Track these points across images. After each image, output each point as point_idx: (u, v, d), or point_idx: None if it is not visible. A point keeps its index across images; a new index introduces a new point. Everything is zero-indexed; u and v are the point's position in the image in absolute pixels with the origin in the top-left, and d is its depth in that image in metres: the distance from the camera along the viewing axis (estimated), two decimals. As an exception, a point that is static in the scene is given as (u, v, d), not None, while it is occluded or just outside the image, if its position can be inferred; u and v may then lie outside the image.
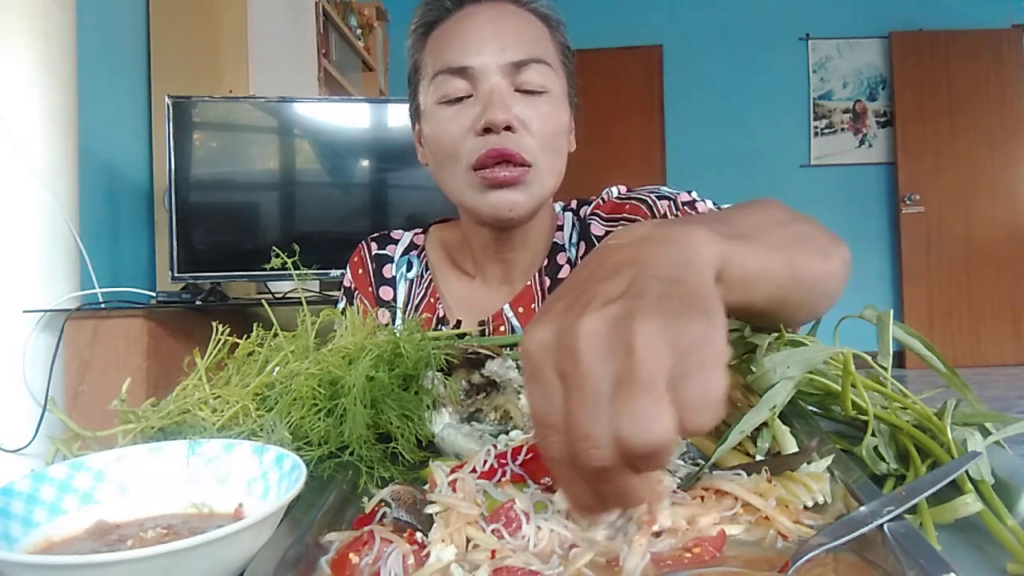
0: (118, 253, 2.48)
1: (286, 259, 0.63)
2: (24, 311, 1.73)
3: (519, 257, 0.95)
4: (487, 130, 0.82)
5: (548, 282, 0.95)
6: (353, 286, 1.04)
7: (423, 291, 1.01)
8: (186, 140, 2.08)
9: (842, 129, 5.80)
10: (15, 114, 1.74)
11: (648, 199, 0.94)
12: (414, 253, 1.04)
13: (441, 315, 0.98)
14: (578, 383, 0.31)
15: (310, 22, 3.38)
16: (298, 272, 0.64)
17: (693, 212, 0.91)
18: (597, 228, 0.96)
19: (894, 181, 5.67)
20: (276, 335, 0.61)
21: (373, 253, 1.05)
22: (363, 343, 0.57)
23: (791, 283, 0.50)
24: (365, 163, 2.24)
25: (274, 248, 0.65)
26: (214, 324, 0.59)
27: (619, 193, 0.98)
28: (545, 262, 0.96)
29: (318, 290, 2.53)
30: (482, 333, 0.94)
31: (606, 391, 0.30)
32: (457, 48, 0.84)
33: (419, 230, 1.08)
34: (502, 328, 0.95)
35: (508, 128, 0.82)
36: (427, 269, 1.02)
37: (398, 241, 1.06)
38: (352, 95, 3.96)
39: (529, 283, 0.95)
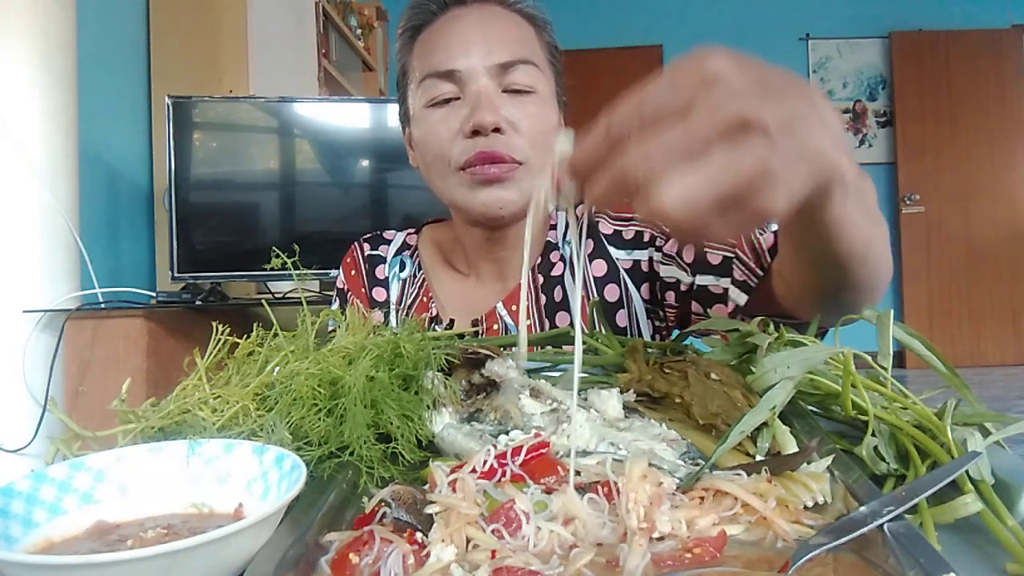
0: (118, 253, 2.48)
1: (286, 259, 0.63)
2: (24, 311, 1.73)
3: (512, 256, 0.95)
4: (476, 132, 0.82)
5: (541, 279, 0.95)
6: (346, 287, 1.04)
7: (416, 290, 1.01)
8: (186, 140, 2.08)
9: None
10: (15, 114, 1.74)
11: None
12: (407, 253, 1.05)
13: (434, 314, 0.98)
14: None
15: (310, 22, 3.38)
16: (298, 272, 0.64)
17: None
18: (606, 227, 0.95)
19: (894, 181, 5.67)
20: (276, 335, 0.61)
21: (366, 254, 1.05)
22: (363, 343, 0.58)
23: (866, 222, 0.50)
24: (365, 163, 2.24)
25: (274, 248, 0.65)
26: (214, 324, 0.59)
27: None
28: (539, 260, 0.96)
29: (318, 290, 2.53)
30: (476, 332, 0.95)
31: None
32: (443, 51, 0.85)
33: (412, 230, 1.08)
34: (495, 327, 0.95)
35: (497, 130, 0.82)
36: (420, 269, 1.02)
37: (391, 241, 1.06)
38: (352, 95, 3.96)
39: (596, 300, 0.93)
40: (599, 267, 0.94)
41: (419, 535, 0.38)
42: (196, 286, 2.13)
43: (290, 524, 0.40)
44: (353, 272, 1.05)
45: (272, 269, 0.64)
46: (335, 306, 1.03)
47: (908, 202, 5.61)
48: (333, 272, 2.16)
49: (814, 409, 0.58)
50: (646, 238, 0.93)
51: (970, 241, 5.62)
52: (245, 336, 0.61)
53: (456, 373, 0.63)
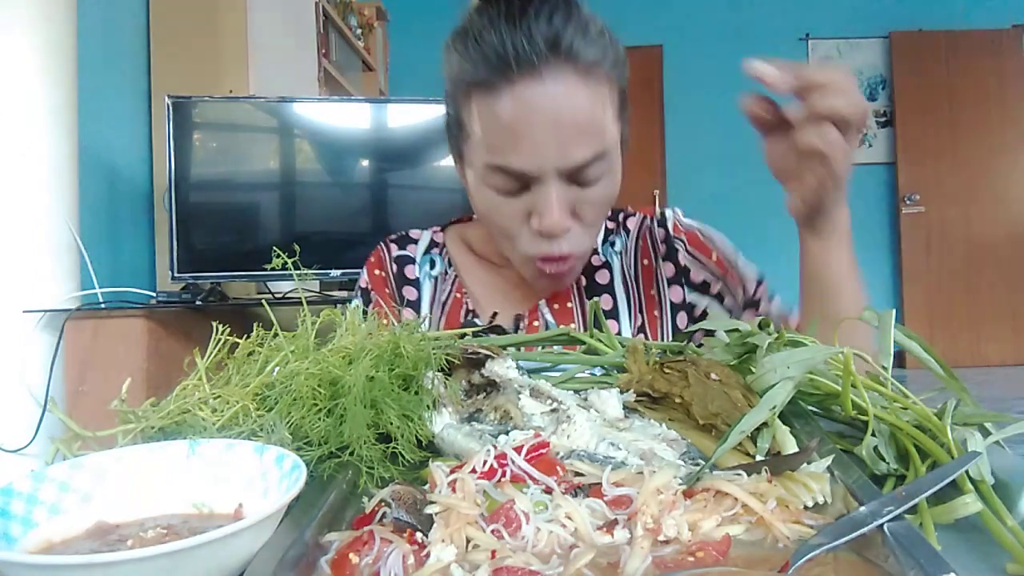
0: (118, 253, 2.48)
1: (286, 259, 0.63)
2: (24, 311, 1.73)
3: None
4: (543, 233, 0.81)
5: (584, 280, 0.97)
6: (369, 287, 1.02)
7: (448, 287, 1.00)
8: (186, 140, 2.08)
9: (842, 129, 5.80)
10: (16, 114, 1.74)
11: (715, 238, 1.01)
12: (435, 251, 1.03)
13: (470, 308, 0.98)
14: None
15: (310, 22, 3.38)
16: (298, 272, 0.64)
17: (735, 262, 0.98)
18: (684, 257, 0.98)
19: (894, 181, 5.67)
20: (276, 335, 0.61)
21: (393, 255, 1.03)
22: (363, 343, 0.57)
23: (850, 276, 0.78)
24: (365, 163, 2.24)
25: (274, 248, 0.65)
26: (214, 324, 0.59)
27: (689, 223, 1.01)
28: None
29: (318, 290, 2.53)
30: (516, 327, 0.95)
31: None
32: (512, 147, 0.77)
33: (437, 228, 1.06)
34: (536, 323, 0.95)
35: (566, 229, 0.81)
36: (450, 266, 1.01)
37: (418, 240, 1.04)
38: (352, 95, 3.96)
39: (594, 300, 0.93)
40: (676, 293, 0.98)
41: (419, 535, 0.38)
42: (196, 286, 2.13)
43: (290, 524, 0.40)
44: (377, 272, 1.02)
45: (272, 269, 0.64)
46: (355, 304, 1.01)
47: (908, 202, 5.61)
48: (333, 272, 2.18)
49: (814, 409, 0.58)
50: (714, 289, 0.97)
51: (970, 241, 5.62)
52: (245, 336, 0.61)
53: (456, 373, 0.63)
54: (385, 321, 0.89)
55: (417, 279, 1.01)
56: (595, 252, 0.98)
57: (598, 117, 0.79)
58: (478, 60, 0.77)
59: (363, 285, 1.03)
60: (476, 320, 0.96)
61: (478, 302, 0.98)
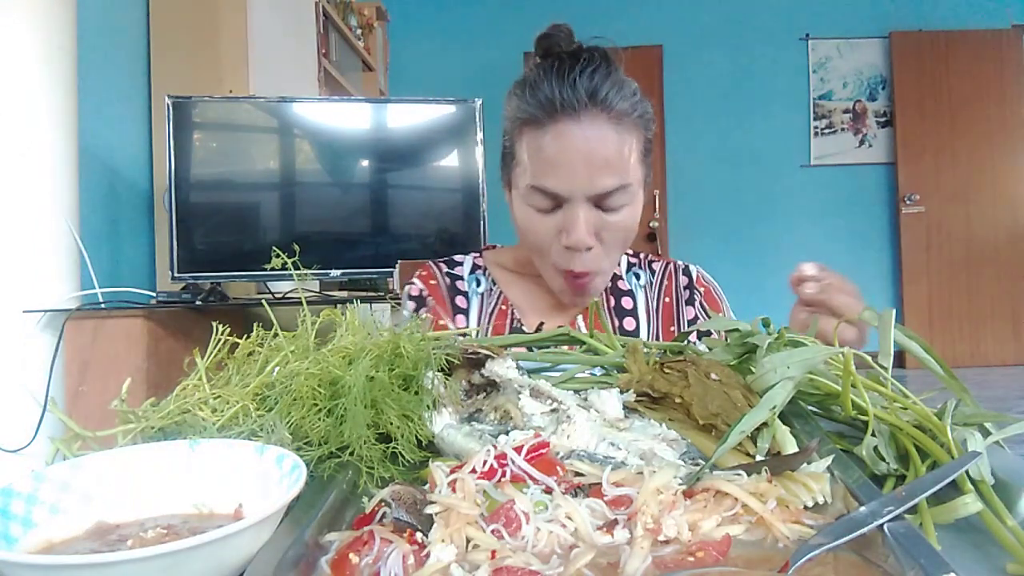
0: (118, 253, 2.48)
1: (286, 259, 0.63)
2: (24, 311, 1.73)
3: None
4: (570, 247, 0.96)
5: (613, 301, 1.12)
6: (425, 293, 1.12)
7: (494, 301, 1.12)
8: (186, 140, 2.08)
9: (842, 129, 5.80)
10: (16, 114, 1.74)
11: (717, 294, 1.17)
12: (479, 272, 1.16)
13: (516, 317, 1.09)
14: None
15: (310, 22, 3.38)
16: (298, 272, 0.64)
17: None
18: (698, 308, 1.13)
19: (894, 181, 5.67)
20: (276, 335, 0.61)
21: (444, 271, 1.15)
22: (363, 343, 0.57)
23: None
24: (365, 163, 2.24)
25: (274, 248, 0.65)
26: (214, 324, 0.59)
27: (709, 279, 1.17)
28: (609, 283, 1.12)
29: (318, 290, 2.53)
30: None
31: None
32: (551, 173, 0.94)
33: (476, 254, 1.19)
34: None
35: (589, 247, 0.95)
36: (494, 284, 1.14)
37: (462, 263, 1.17)
38: (352, 95, 3.96)
39: (597, 299, 1.07)
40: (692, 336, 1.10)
41: (419, 535, 0.38)
42: (196, 286, 2.13)
43: (290, 524, 0.40)
44: (432, 281, 1.14)
45: (272, 269, 0.64)
46: (410, 308, 1.12)
47: (908, 202, 5.60)
48: (333, 272, 2.18)
49: (814, 409, 0.58)
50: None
51: (970, 241, 5.61)
52: (245, 336, 0.61)
53: (456, 373, 0.63)
54: (442, 322, 1.05)
55: (467, 293, 1.13)
56: (620, 278, 1.13)
57: (624, 156, 0.94)
58: (532, 103, 0.94)
59: (415, 293, 1.13)
60: (523, 328, 1.08)
61: (523, 312, 1.10)
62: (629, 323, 1.11)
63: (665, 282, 1.15)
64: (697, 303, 1.13)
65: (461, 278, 1.15)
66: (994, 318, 5.60)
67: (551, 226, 0.97)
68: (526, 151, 0.97)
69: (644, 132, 0.99)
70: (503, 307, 1.11)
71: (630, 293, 1.13)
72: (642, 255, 1.19)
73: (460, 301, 1.12)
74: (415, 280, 1.14)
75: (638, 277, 1.15)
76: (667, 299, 1.14)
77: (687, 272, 1.16)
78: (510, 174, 1.03)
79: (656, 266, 1.17)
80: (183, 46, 2.61)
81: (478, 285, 1.14)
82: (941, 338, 5.47)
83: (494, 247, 1.22)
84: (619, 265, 1.14)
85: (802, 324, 0.83)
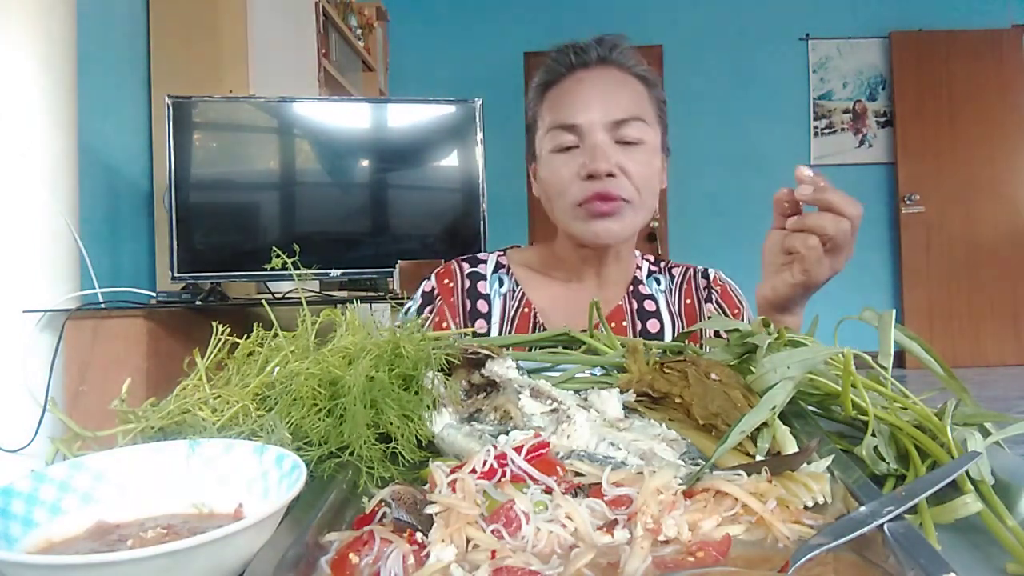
0: (118, 253, 2.48)
1: (286, 259, 0.63)
2: (24, 311, 1.73)
3: (611, 272, 1.12)
4: (591, 176, 0.99)
5: (635, 304, 1.13)
6: (436, 291, 1.12)
7: (516, 303, 1.12)
8: (186, 140, 2.08)
9: (842, 129, 5.80)
10: (16, 114, 1.74)
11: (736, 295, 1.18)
12: (502, 271, 1.16)
13: (538, 319, 1.10)
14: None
15: (310, 22, 3.38)
16: (298, 272, 0.64)
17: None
18: (714, 305, 1.15)
19: (894, 181, 5.67)
20: (276, 335, 0.61)
21: (465, 272, 1.15)
22: (363, 343, 0.57)
23: None
24: (365, 163, 2.24)
25: (274, 248, 0.65)
26: (214, 324, 0.59)
27: (725, 279, 1.19)
28: (631, 288, 1.15)
29: (318, 290, 2.53)
30: None
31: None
32: (568, 108, 1.02)
33: (500, 252, 1.20)
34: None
35: (609, 175, 0.99)
36: (517, 285, 1.14)
37: (486, 261, 1.17)
38: (352, 95, 3.97)
39: (620, 303, 1.12)
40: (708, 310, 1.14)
41: (419, 535, 0.38)
42: (196, 286, 2.13)
43: (290, 524, 0.40)
44: (447, 281, 1.13)
45: (272, 269, 0.64)
46: (416, 304, 1.12)
47: (908, 202, 5.60)
48: (333, 272, 2.18)
49: (814, 409, 0.58)
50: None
51: (970, 241, 5.61)
52: (245, 336, 0.61)
53: (456, 373, 0.63)
54: (445, 325, 1.06)
55: (488, 295, 1.13)
56: (641, 283, 1.16)
57: (635, 96, 1.03)
58: (551, 66, 1.06)
59: (427, 289, 1.13)
60: (545, 330, 1.06)
61: (545, 314, 1.10)
62: (653, 325, 1.11)
63: (685, 285, 1.17)
64: (714, 300, 1.15)
65: (484, 277, 1.14)
66: (994, 318, 5.60)
67: (573, 166, 1.01)
68: (546, 108, 1.05)
69: (655, 92, 1.06)
70: (526, 309, 1.11)
71: (652, 297, 1.15)
72: (662, 263, 1.21)
73: (481, 305, 1.12)
74: (431, 277, 1.15)
75: (658, 282, 1.17)
76: (688, 300, 1.15)
77: (705, 275, 1.19)
78: (533, 145, 1.09)
79: (676, 271, 1.19)
80: (183, 46, 2.61)
81: (500, 285, 1.14)
82: (941, 338, 5.47)
83: (517, 247, 1.22)
84: (639, 269, 1.16)
85: (771, 247, 0.86)
